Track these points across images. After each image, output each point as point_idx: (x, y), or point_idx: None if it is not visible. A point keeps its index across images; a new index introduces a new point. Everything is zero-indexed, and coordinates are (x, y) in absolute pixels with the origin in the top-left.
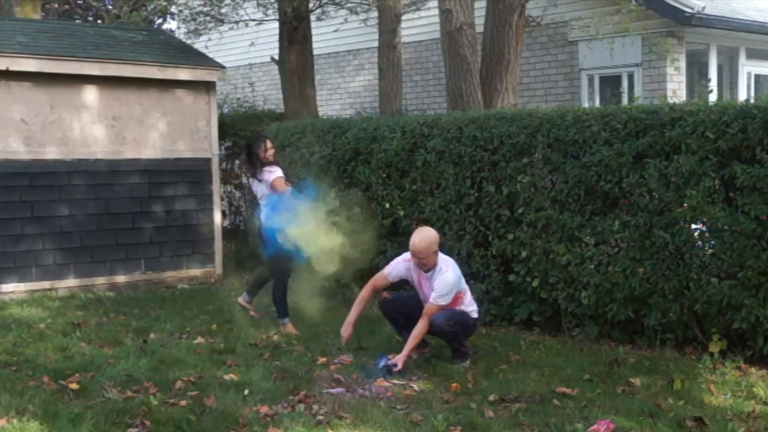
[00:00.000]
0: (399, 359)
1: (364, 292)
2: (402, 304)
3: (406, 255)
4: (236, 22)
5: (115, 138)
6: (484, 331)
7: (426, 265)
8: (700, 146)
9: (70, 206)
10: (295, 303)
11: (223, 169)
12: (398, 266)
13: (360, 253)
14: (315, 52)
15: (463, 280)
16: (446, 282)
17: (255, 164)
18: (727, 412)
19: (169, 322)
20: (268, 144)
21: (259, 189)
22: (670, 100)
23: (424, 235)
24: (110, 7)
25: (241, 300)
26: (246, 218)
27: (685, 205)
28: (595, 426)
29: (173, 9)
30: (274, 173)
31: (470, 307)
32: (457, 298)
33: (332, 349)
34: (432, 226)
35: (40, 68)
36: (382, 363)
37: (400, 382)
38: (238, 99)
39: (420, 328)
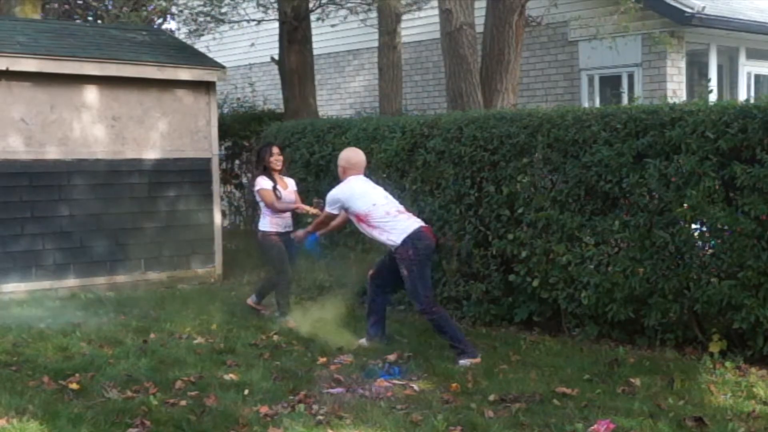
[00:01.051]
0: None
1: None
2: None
3: None
4: (236, 22)
5: (115, 138)
6: (484, 331)
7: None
8: (700, 146)
9: (70, 206)
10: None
11: (223, 169)
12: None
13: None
14: (315, 52)
15: (363, 203)
16: (329, 194)
17: (258, 167)
18: (727, 412)
19: (169, 322)
20: (275, 150)
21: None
22: (670, 100)
23: (348, 156)
24: (110, 7)
25: (249, 301)
26: (245, 218)
27: (685, 205)
28: (595, 426)
29: (173, 9)
30: (260, 185)
31: (381, 230)
32: (358, 218)
33: (332, 349)
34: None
35: (41, 68)
36: (386, 368)
37: (400, 382)
38: (238, 99)
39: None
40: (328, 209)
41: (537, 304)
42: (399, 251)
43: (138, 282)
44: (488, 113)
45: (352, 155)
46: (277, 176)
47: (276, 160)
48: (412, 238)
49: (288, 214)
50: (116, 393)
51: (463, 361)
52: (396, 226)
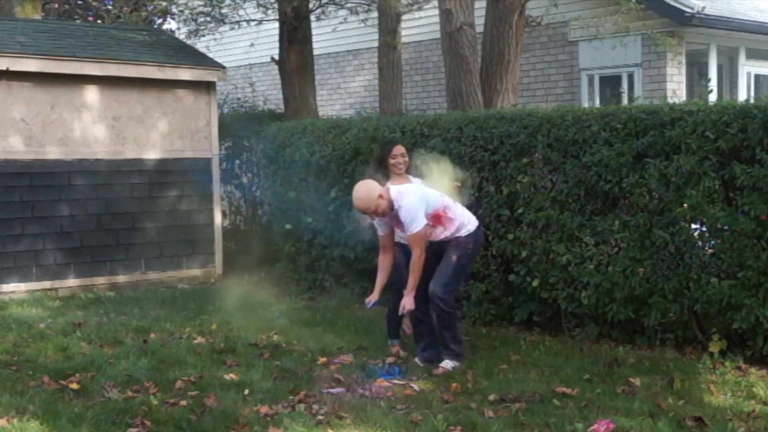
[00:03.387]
0: (407, 296)
1: (381, 257)
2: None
3: None
4: (236, 23)
5: (115, 138)
6: (484, 331)
7: (385, 210)
8: (700, 146)
9: (71, 206)
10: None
11: (223, 169)
12: (379, 223)
13: None
14: (315, 52)
15: (435, 198)
16: (406, 210)
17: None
18: (727, 412)
19: (169, 322)
20: (397, 151)
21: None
22: (670, 100)
23: (357, 193)
24: (110, 7)
25: (406, 328)
26: (245, 218)
27: (685, 205)
28: (595, 426)
29: (173, 9)
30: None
31: (459, 222)
32: (438, 217)
33: (332, 349)
34: None
35: (41, 68)
36: (385, 368)
37: (400, 382)
38: (238, 99)
39: (414, 258)
40: (419, 224)
41: (537, 304)
42: (461, 238)
43: (138, 282)
44: (488, 113)
45: (364, 186)
46: (399, 180)
47: (396, 164)
48: (478, 233)
49: None
50: (116, 393)
51: (451, 363)
52: (471, 218)
